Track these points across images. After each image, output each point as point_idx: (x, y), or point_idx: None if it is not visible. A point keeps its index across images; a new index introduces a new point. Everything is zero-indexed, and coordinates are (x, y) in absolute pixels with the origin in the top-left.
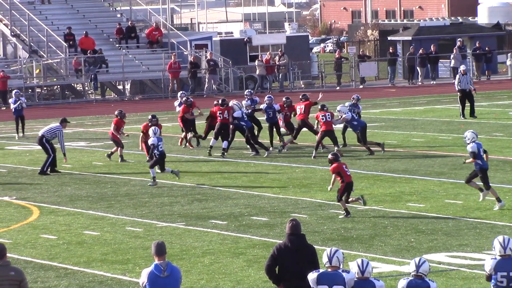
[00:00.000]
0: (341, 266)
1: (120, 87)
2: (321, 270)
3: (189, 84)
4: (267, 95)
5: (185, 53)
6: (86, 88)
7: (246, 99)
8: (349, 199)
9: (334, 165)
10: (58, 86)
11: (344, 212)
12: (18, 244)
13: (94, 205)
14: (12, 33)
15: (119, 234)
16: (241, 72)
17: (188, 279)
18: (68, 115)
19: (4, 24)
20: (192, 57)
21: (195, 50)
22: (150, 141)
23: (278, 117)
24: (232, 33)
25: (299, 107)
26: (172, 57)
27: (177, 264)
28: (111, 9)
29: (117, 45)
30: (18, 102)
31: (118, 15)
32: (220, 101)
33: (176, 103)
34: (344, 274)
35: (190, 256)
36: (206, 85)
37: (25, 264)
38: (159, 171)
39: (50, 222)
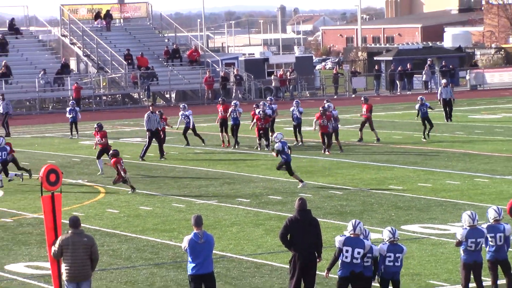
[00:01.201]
0: (361, 234)
1: (167, 95)
2: (346, 235)
3: (220, 94)
4: (295, 100)
5: (217, 69)
6: (141, 96)
7: (266, 105)
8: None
9: None
10: (120, 95)
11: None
12: (89, 217)
13: (147, 186)
14: (84, 54)
15: (167, 209)
16: (260, 84)
17: (219, 244)
18: (127, 118)
19: (77, 47)
20: (222, 73)
21: (225, 67)
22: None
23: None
24: (253, 54)
25: (364, 109)
26: (207, 73)
27: (211, 232)
28: (160, 35)
29: (165, 63)
30: (72, 111)
31: (166, 40)
32: (261, 114)
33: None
34: (364, 240)
35: (221, 226)
36: (233, 95)
37: (94, 232)
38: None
39: (114, 199)
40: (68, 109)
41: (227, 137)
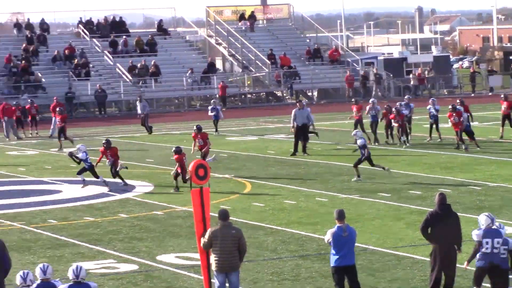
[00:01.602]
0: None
1: (310, 93)
2: (483, 228)
3: (360, 92)
4: (431, 98)
5: (357, 68)
6: (284, 94)
7: (403, 103)
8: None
9: None
10: (264, 93)
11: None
12: (236, 210)
13: (291, 181)
14: (229, 54)
15: (311, 203)
16: (399, 82)
17: (362, 237)
18: (271, 115)
19: (223, 47)
20: (362, 72)
21: (365, 66)
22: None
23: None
24: (392, 53)
25: (503, 106)
26: (348, 72)
27: (353, 226)
28: (302, 35)
29: (307, 62)
30: (214, 110)
31: (307, 40)
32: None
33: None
34: (501, 230)
35: (363, 220)
36: (373, 93)
37: (241, 225)
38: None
39: (260, 193)
40: (210, 107)
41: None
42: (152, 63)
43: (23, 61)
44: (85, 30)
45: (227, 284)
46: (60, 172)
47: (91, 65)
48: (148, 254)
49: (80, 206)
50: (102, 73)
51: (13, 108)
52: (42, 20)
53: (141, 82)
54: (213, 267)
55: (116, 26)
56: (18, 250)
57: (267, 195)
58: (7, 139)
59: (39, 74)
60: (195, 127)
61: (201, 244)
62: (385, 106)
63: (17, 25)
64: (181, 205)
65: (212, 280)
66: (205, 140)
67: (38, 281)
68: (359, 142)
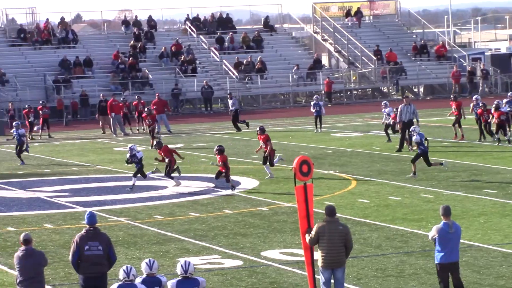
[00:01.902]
0: None
1: (416, 89)
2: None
3: (467, 88)
4: None
5: (464, 64)
6: (390, 90)
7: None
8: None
9: None
10: (369, 89)
11: None
12: (341, 206)
13: (396, 177)
14: (335, 50)
15: (415, 199)
16: (506, 78)
17: (467, 234)
18: (377, 111)
19: (329, 43)
20: (469, 67)
21: (472, 62)
22: None
23: None
24: (499, 49)
25: None
26: (454, 67)
27: (458, 222)
28: (408, 31)
29: (413, 58)
30: (316, 106)
31: (414, 36)
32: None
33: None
34: None
35: (468, 216)
36: (480, 88)
37: (346, 221)
38: None
39: (364, 190)
40: (312, 103)
41: (459, 131)
42: (258, 59)
43: (131, 58)
44: (192, 27)
45: (331, 281)
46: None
47: (197, 62)
48: (252, 250)
49: (185, 202)
50: (208, 69)
51: (120, 104)
52: (150, 17)
53: (247, 79)
54: (319, 263)
55: (223, 23)
56: (124, 245)
57: (371, 191)
58: (114, 135)
59: (146, 71)
60: (258, 129)
61: (308, 240)
62: (495, 102)
63: (125, 22)
64: (286, 201)
65: (316, 277)
66: (265, 142)
67: (144, 276)
68: (414, 138)
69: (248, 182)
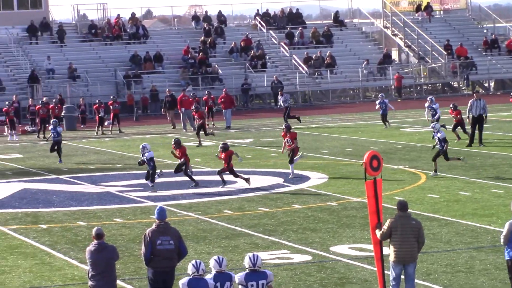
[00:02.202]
0: None
1: (486, 84)
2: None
3: None
4: None
5: None
6: (460, 85)
7: None
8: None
9: None
10: (439, 84)
11: None
12: (410, 201)
13: (466, 172)
14: (405, 44)
15: (486, 194)
16: None
17: None
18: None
19: (399, 38)
20: None
21: None
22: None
23: None
24: None
25: None
26: None
27: None
28: (479, 26)
29: (484, 53)
30: (382, 104)
31: (484, 31)
32: None
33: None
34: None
35: None
36: None
37: (415, 216)
38: None
39: (434, 185)
40: (377, 101)
41: None
42: (328, 54)
43: (201, 53)
44: (261, 22)
45: (402, 276)
46: (235, 163)
47: (267, 57)
48: (321, 245)
49: (255, 196)
50: (278, 64)
51: (190, 99)
52: (220, 12)
53: (316, 74)
54: (391, 258)
55: (293, 18)
56: (193, 239)
57: (441, 186)
58: (184, 130)
59: (216, 66)
60: (283, 126)
61: (379, 235)
62: None
63: (195, 18)
64: (356, 196)
65: (386, 272)
66: (292, 140)
67: (214, 272)
68: (440, 135)
69: (317, 177)
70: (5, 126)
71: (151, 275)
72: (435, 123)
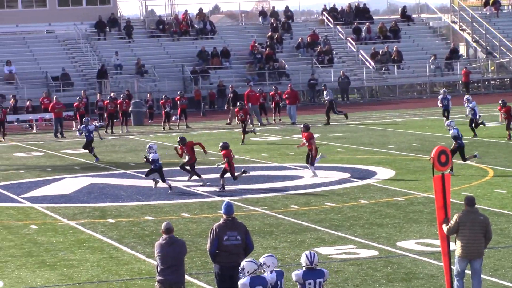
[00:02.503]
0: None
1: None
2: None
3: None
4: None
5: None
6: None
7: None
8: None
9: None
10: (508, 79)
11: None
12: (478, 197)
13: None
14: (473, 39)
15: None
16: None
17: None
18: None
19: (467, 33)
20: None
21: None
22: None
23: None
24: None
25: None
26: None
27: None
28: None
29: None
30: (444, 100)
31: None
32: None
33: None
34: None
35: None
36: None
37: (482, 211)
38: None
39: (502, 180)
40: (440, 97)
41: None
42: (394, 49)
43: (267, 48)
44: (329, 17)
45: (467, 271)
46: (301, 158)
47: (334, 52)
48: (388, 240)
49: (321, 191)
50: (345, 60)
51: (257, 94)
52: (287, 7)
53: (383, 69)
54: (457, 253)
55: (360, 13)
56: (260, 234)
57: (510, 182)
58: (251, 125)
59: (283, 61)
60: (302, 126)
61: (446, 229)
62: None
63: (262, 13)
64: (422, 191)
65: (453, 267)
66: (308, 140)
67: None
68: (451, 132)
69: (384, 172)
70: (74, 121)
71: (218, 270)
72: (450, 120)
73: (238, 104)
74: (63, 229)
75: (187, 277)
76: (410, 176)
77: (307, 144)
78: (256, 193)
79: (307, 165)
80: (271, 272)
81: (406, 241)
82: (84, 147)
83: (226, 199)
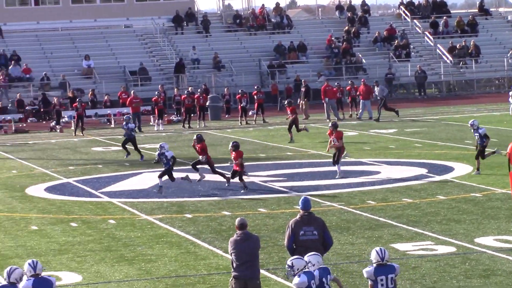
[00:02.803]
0: None
1: None
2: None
3: None
4: None
5: None
6: None
7: None
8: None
9: None
10: None
11: None
12: None
13: None
14: None
15: None
16: None
17: None
18: None
19: None
20: None
21: None
22: None
23: None
24: None
25: None
26: None
27: None
28: None
29: None
30: None
31: None
32: None
33: None
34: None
35: None
36: None
37: None
38: None
39: None
40: (511, 93)
41: None
42: (472, 43)
43: (344, 43)
44: (406, 11)
45: None
46: (379, 153)
47: (411, 46)
48: (466, 236)
49: (398, 187)
50: (422, 54)
51: (334, 89)
52: (363, 1)
53: (461, 63)
54: None
55: (437, 7)
56: (337, 230)
57: None
58: (328, 120)
59: (360, 56)
60: (330, 124)
61: None
62: None
63: (339, 7)
64: (500, 187)
65: None
66: (338, 139)
67: (374, 265)
68: (481, 131)
69: (461, 168)
70: (151, 116)
71: None
72: (473, 120)
73: (286, 101)
74: (141, 224)
75: (264, 273)
76: (487, 171)
77: (336, 143)
78: (333, 189)
79: (334, 165)
80: (314, 271)
81: (484, 237)
82: (123, 145)
83: (303, 194)
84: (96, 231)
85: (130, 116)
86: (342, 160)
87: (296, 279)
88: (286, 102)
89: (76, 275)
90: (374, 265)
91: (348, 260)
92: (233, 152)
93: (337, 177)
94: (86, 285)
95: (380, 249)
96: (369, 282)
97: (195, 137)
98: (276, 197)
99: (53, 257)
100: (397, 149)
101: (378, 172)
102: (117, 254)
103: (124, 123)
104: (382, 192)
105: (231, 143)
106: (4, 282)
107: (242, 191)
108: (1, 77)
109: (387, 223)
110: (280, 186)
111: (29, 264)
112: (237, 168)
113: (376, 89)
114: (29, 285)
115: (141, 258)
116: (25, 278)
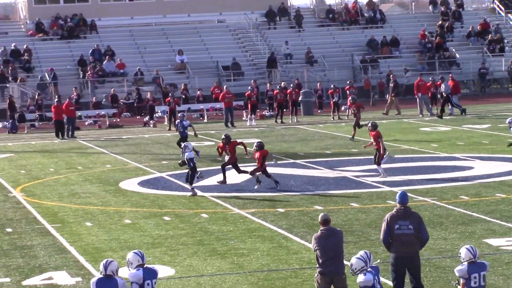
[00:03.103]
0: None
1: None
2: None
3: None
4: None
5: None
6: None
7: None
8: None
9: None
10: None
11: None
12: None
13: None
14: None
15: None
16: None
17: None
18: None
19: None
20: None
21: None
22: None
23: None
24: None
25: None
26: None
27: None
28: None
29: None
30: None
31: None
32: None
33: None
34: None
35: None
36: None
37: None
38: None
39: None
40: None
41: None
42: None
43: (438, 37)
44: (500, 6)
45: None
46: (472, 148)
47: (505, 41)
48: None
49: (492, 182)
50: None
51: (427, 84)
52: None
53: None
54: None
55: None
56: (430, 225)
57: None
58: (420, 115)
59: (453, 50)
60: (369, 124)
61: None
62: None
63: (433, 2)
64: None
65: None
66: (376, 139)
67: (466, 263)
68: None
69: None
70: (244, 111)
71: (392, 260)
72: (510, 118)
73: (350, 98)
74: (233, 218)
75: None
76: None
77: (374, 144)
78: (426, 184)
79: (376, 166)
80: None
81: None
82: (178, 143)
83: (396, 189)
84: (188, 225)
85: (184, 114)
86: (391, 157)
87: (361, 277)
88: (350, 99)
89: (169, 268)
90: (465, 263)
91: (440, 255)
92: (257, 152)
93: (380, 177)
94: (179, 279)
95: (471, 247)
96: (461, 281)
97: (223, 136)
98: (368, 192)
99: (146, 251)
100: (490, 145)
101: (471, 168)
102: (209, 248)
103: (179, 121)
104: (475, 187)
105: (256, 142)
106: (99, 275)
107: (256, 186)
108: (89, 72)
109: (480, 218)
110: (372, 181)
111: (136, 253)
112: (259, 165)
113: (442, 85)
114: (139, 273)
115: (234, 252)
116: (120, 270)
